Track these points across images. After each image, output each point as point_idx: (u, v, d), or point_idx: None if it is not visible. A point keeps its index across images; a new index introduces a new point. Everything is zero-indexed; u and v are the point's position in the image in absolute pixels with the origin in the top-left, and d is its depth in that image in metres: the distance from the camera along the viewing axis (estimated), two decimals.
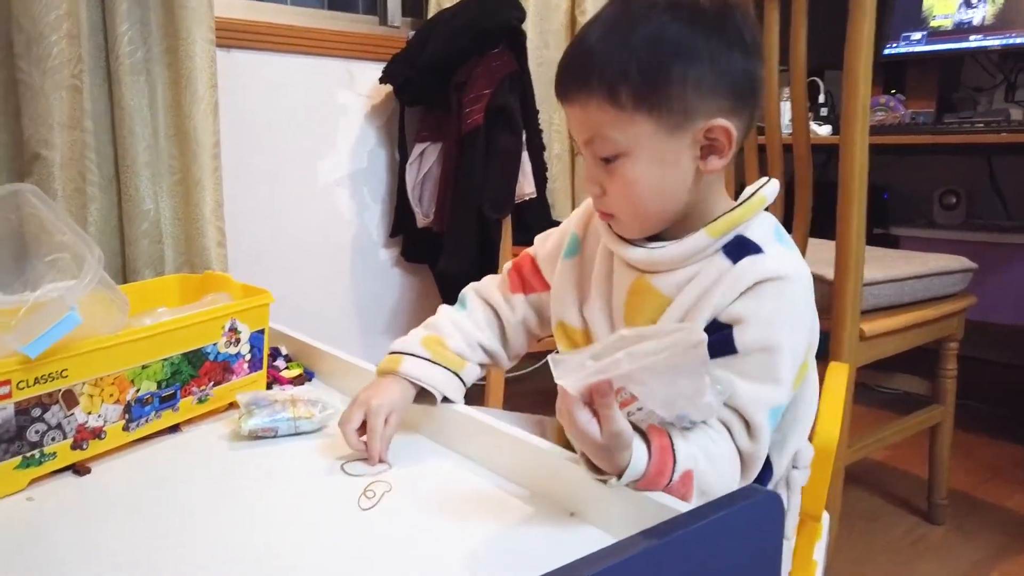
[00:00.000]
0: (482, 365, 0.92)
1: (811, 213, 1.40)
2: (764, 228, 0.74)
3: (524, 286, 0.92)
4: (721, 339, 0.69)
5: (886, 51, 2.25)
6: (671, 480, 0.65)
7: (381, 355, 0.89)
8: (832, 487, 1.27)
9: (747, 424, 0.69)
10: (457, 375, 0.88)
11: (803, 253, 1.29)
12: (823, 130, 2.22)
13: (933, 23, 2.17)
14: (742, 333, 0.69)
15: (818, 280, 1.29)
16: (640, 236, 0.75)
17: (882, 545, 1.50)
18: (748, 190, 0.75)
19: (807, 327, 0.73)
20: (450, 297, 0.98)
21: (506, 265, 0.95)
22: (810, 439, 0.85)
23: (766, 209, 0.75)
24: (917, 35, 2.20)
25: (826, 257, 1.26)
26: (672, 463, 0.65)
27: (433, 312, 0.94)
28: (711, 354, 0.66)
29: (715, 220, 0.72)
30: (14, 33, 1.39)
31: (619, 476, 0.64)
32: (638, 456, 0.64)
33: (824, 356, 1.23)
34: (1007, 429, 2.01)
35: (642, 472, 0.64)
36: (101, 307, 0.78)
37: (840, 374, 1.05)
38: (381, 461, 0.81)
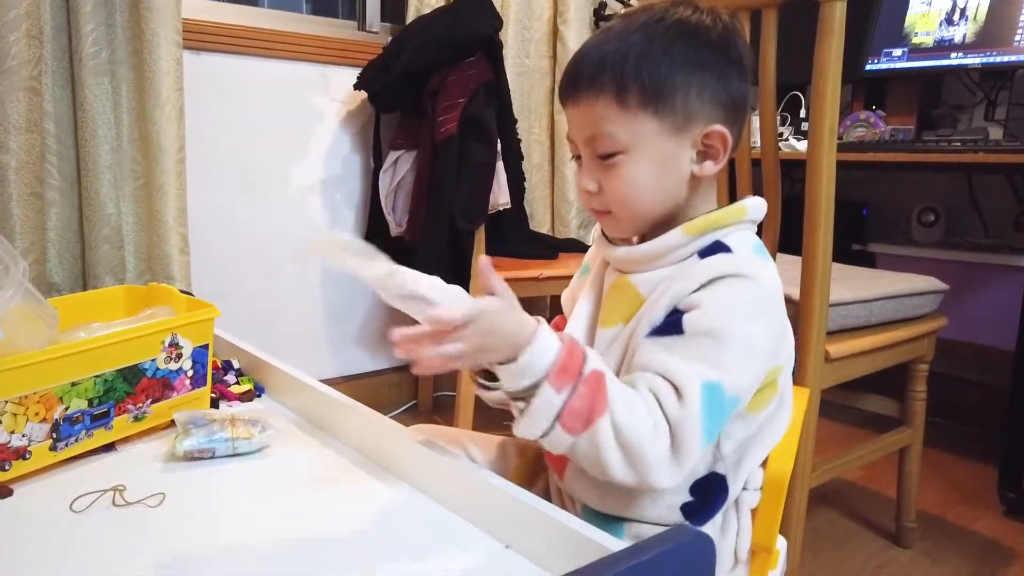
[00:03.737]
0: None
1: (780, 229, 1.38)
2: (743, 240, 0.74)
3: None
4: (671, 322, 0.69)
5: (867, 67, 2.24)
6: (581, 374, 0.64)
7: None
8: (795, 511, 1.26)
9: (676, 391, 0.66)
10: None
11: None
12: (802, 145, 2.21)
13: (914, 40, 2.16)
14: (691, 317, 0.68)
15: (784, 300, 1.29)
16: (630, 235, 0.77)
17: (849, 569, 1.48)
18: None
19: (767, 328, 0.70)
20: None
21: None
22: (764, 464, 0.84)
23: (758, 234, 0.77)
24: (898, 51, 2.19)
25: (794, 276, 1.24)
26: (582, 357, 0.65)
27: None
28: (661, 333, 0.69)
29: (693, 219, 0.73)
30: None
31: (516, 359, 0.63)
32: (545, 336, 0.64)
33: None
34: (979, 449, 2.00)
35: (553, 358, 0.63)
36: (26, 322, 0.75)
37: (799, 399, 1.03)
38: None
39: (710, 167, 0.73)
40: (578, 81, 0.73)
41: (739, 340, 0.67)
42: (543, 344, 0.64)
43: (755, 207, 0.76)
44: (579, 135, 0.74)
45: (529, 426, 0.65)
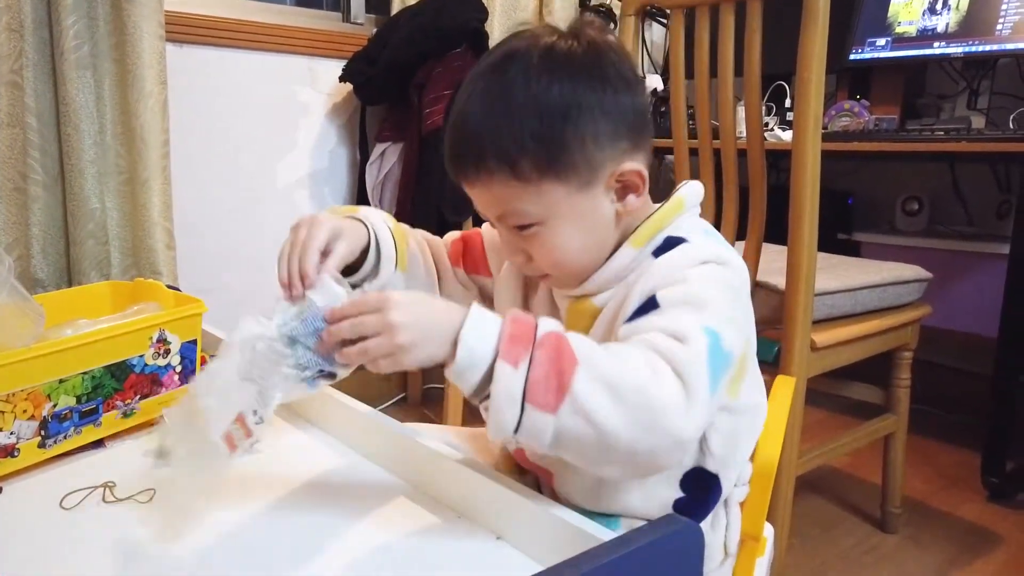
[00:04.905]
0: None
1: (767, 218, 1.39)
2: (692, 227, 0.72)
3: (466, 262, 0.87)
4: (646, 304, 0.65)
5: (851, 57, 2.25)
6: (535, 338, 0.57)
7: None
8: (782, 498, 1.27)
9: (674, 338, 0.60)
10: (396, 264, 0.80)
11: (758, 260, 1.29)
12: (788, 135, 2.22)
13: (897, 29, 2.17)
14: (665, 293, 0.64)
15: (770, 289, 1.30)
16: (576, 285, 0.73)
17: (835, 555, 1.50)
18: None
19: (740, 305, 0.68)
20: None
21: (450, 235, 0.89)
22: (751, 458, 0.84)
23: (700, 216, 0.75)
24: (882, 41, 2.21)
25: (781, 266, 1.25)
26: (532, 322, 0.59)
27: None
28: (638, 315, 0.64)
29: (635, 232, 0.71)
30: None
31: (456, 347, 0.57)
32: (481, 310, 0.60)
33: (774, 367, 1.22)
34: (963, 436, 2.03)
35: (497, 330, 0.58)
36: (12, 318, 0.75)
37: (786, 388, 1.04)
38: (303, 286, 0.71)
39: (633, 201, 0.70)
40: (464, 163, 0.68)
41: (719, 305, 0.64)
42: (480, 317, 0.59)
43: (691, 194, 0.73)
44: (488, 213, 0.71)
45: (498, 421, 0.57)
